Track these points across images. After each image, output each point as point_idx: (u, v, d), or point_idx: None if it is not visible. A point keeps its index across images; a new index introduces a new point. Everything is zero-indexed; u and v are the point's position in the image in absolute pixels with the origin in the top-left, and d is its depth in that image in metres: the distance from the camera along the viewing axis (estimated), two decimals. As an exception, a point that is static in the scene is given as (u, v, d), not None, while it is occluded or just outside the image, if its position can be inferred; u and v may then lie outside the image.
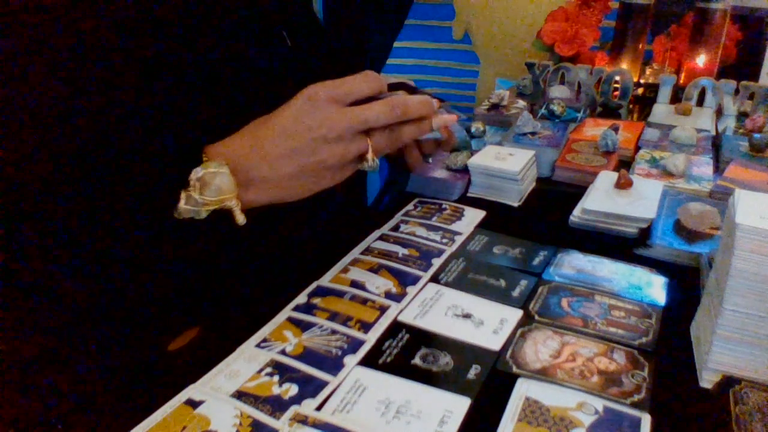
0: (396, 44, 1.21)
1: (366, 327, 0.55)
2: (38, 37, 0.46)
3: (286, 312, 0.57)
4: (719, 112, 1.16)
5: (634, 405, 0.46)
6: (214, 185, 0.48)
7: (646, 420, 0.44)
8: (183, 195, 0.48)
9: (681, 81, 1.27)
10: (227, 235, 0.59)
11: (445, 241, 0.71)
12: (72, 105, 0.48)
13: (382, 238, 0.71)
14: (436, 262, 0.66)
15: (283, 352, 0.51)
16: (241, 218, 0.50)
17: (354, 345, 0.52)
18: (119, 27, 0.49)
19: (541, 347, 0.52)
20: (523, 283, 0.62)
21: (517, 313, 0.57)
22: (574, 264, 0.66)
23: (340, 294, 0.60)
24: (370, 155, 0.54)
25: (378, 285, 0.61)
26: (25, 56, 0.46)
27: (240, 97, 0.58)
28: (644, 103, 1.28)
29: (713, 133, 1.05)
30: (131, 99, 0.51)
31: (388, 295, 0.60)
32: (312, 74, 0.66)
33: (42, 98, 0.47)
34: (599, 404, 0.46)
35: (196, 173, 0.48)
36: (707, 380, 0.49)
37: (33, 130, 0.47)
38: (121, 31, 0.49)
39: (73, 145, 0.48)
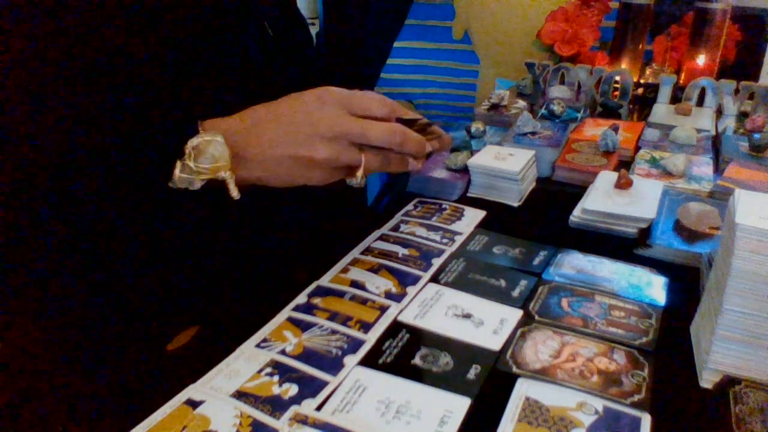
0: (396, 44, 1.21)
1: (366, 327, 0.55)
2: (31, 22, 0.47)
3: (286, 312, 0.57)
4: (719, 112, 1.16)
5: (634, 405, 0.46)
6: (208, 153, 0.49)
7: (646, 420, 0.44)
8: (178, 164, 0.49)
9: (681, 81, 1.27)
10: (227, 235, 0.59)
11: (445, 241, 0.71)
12: (70, 82, 0.49)
13: (382, 238, 0.71)
14: (436, 262, 0.66)
15: (283, 352, 0.51)
16: (235, 192, 0.51)
17: (354, 345, 0.52)
18: (109, 14, 0.50)
19: (541, 347, 0.52)
20: (523, 283, 0.62)
21: (517, 313, 0.57)
22: (574, 264, 0.66)
23: (340, 294, 0.60)
24: (360, 172, 0.55)
25: (378, 285, 0.61)
26: (17, 37, 0.47)
27: (224, 83, 0.59)
28: (644, 103, 1.28)
29: (713, 133, 1.05)
30: (126, 77, 0.52)
31: (388, 295, 0.60)
32: (293, 64, 0.66)
33: (38, 76, 0.48)
34: (599, 404, 0.46)
35: (192, 142, 0.49)
36: (707, 380, 0.49)
37: (28, 107, 0.47)
38: (111, 17, 0.50)
39: (68, 116, 0.49)
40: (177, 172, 0.49)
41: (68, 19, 0.48)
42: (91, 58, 0.49)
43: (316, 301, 0.59)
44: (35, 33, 0.47)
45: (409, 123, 0.67)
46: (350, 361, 0.50)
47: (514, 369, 0.50)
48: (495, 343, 0.53)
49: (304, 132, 0.52)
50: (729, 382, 0.47)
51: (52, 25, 0.48)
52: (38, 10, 0.47)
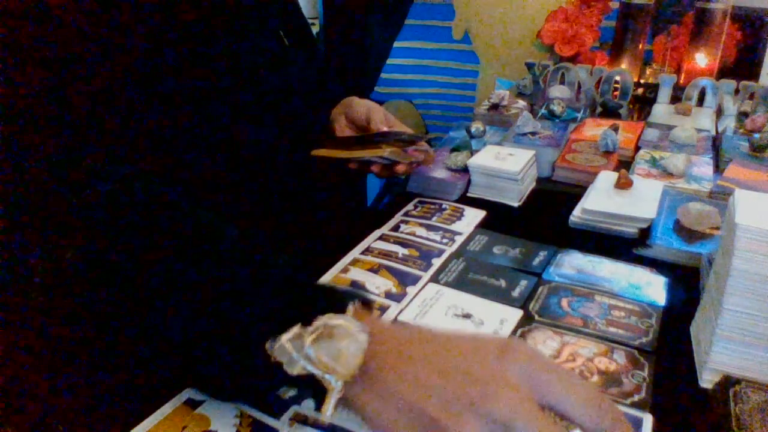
0: (396, 44, 1.21)
1: (366, 327, 0.55)
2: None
3: (286, 312, 0.57)
4: (719, 112, 1.16)
5: (634, 405, 0.46)
6: (336, 345, 0.36)
7: (646, 420, 0.44)
8: (295, 331, 0.36)
9: (681, 81, 1.27)
10: (227, 236, 0.59)
11: (445, 241, 0.71)
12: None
13: (382, 238, 0.71)
14: (436, 262, 0.66)
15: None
16: (330, 411, 0.37)
17: (354, 345, 0.52)
18: (123, 27, 0.49)
19: (541, 347, 0.52)
20: (523, 283, 0.62)
21: (517, 313, 0.57)
22: (574, 264, 0.66)
23: (340, 294, 0.60)
24: None
25: (378, 285, 0.61)
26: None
27: (241, 93, 0.59)
28: (644, 103, 1.28)
29: (713, 133, 1.05)
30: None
31: (388, 295, 0.60)
32: (308, 72, 0.66)
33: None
34: (599, 404, 0.46)
35: (327, 319, 0.37)
36: (707, 380, 0.49)
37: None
38: (126, 32, 0.50)
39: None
40: (285, 339, 0.36)
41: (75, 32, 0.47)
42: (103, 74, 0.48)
43: (316, 301, 0.59)
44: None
45: (397, 135, 0.67)
46: (350, 361, 0.50)
47: (514, 369, 0.50)
48: (495, 343, 0.53)
49: (464, 391, 0.34)
50: (729, 382, 0.47)
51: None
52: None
